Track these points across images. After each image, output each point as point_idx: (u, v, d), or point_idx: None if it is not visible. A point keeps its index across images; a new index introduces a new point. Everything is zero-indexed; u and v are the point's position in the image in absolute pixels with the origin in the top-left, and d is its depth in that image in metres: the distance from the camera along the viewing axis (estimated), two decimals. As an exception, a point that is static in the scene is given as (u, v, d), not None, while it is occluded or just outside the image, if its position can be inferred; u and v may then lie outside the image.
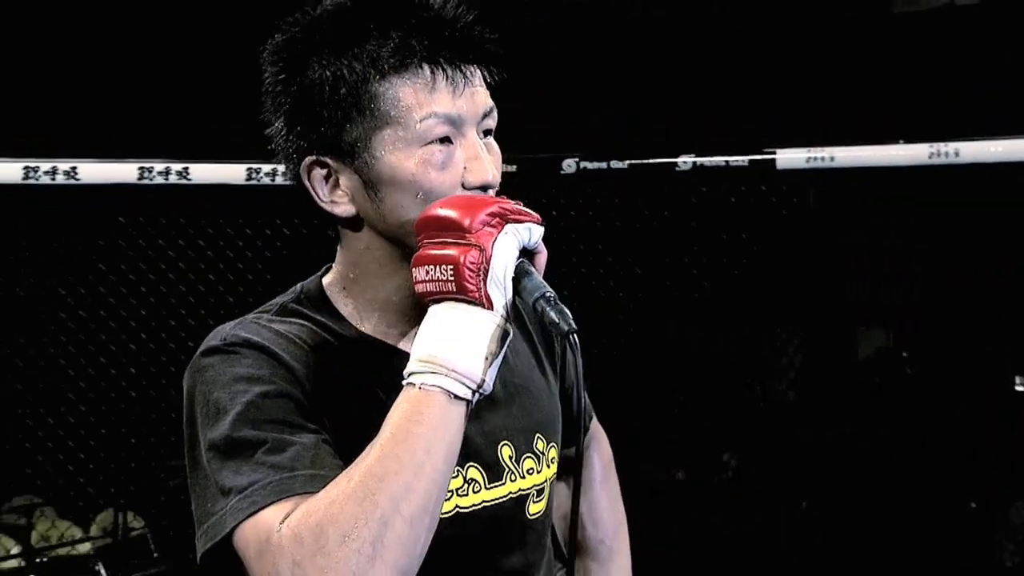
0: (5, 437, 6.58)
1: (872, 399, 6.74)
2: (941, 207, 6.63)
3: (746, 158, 3.27)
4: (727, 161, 3.26)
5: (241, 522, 1.08)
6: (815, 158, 3.24)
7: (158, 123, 5.50)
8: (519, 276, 1.14)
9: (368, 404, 1.21)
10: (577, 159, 3.28)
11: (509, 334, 1.14)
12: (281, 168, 3.36)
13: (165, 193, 3.20)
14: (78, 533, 6.30)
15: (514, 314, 1.34)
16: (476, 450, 1.28)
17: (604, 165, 3.29)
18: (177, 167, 3.16)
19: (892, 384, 6.86)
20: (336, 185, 1.24)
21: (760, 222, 3.74)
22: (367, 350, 1.26)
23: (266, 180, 3.30)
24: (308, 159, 1.24)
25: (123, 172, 3.13)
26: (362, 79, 1.18)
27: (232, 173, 3.26)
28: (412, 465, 1.05)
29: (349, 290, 1.30)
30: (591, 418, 1.66)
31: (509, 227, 1.13)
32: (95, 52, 5.75)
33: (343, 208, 1.25)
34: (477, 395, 1.12)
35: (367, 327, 1.28)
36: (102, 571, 5.82)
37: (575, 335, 1.12)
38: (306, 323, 1.26)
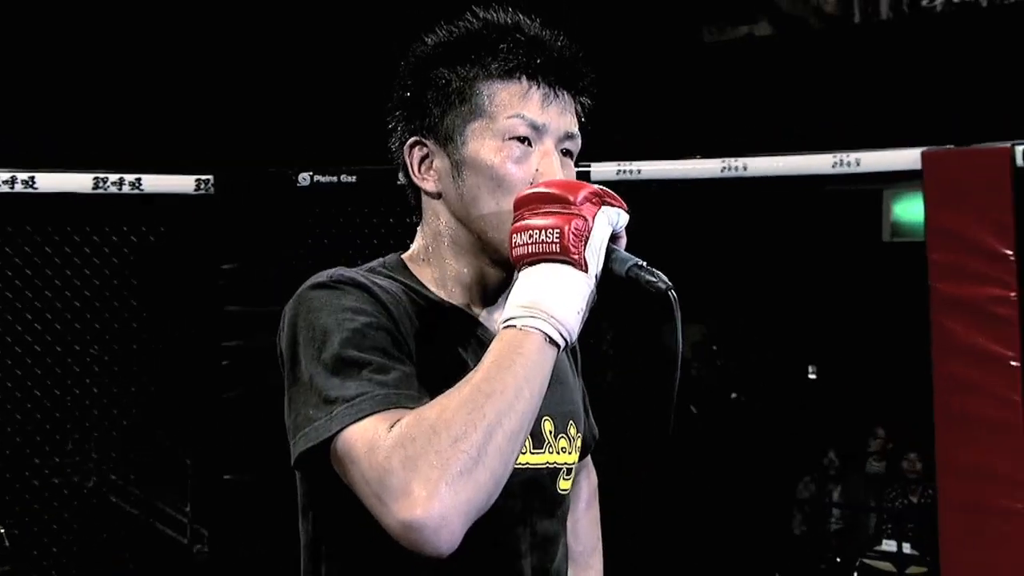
0: None
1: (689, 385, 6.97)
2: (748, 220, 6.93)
3: (564, 171, 3.39)
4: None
5: (348, 426, 1.12)
6: (624, 171, 3.39)
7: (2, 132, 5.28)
8: (610, 249, 1.20)
9: (447, 358, 1.27)
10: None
11: (594, 298, 1.20)
12: (129, 177, 3.36)
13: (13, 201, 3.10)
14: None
15: None
16: None
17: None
18: (23, 176, 3.08)
19: (706, 374, 7.12)
20: (430, 166, 1.33)
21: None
22: (446, 312, 1.32)
23: (112, 189, 3.24)
24: (412, 139, 1.33)
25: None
26: (471, 78, 1.29)
27: (78, 182, 3.19)
28: (514, 387, 1.11)
29: (428, 261, 1.36)
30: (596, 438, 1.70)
31: (605, 207, 1.19)
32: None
33: (430, 185, 1.33)
34: (566, 344, 1.17)
35: (443, 294, 1.34)
36: (-44, 569, 5.56)
37: (673, 291, 1.17)
38: (392, 283, 1.31)
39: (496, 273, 1.33)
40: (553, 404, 1.37)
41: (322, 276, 1.26)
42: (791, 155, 3.26)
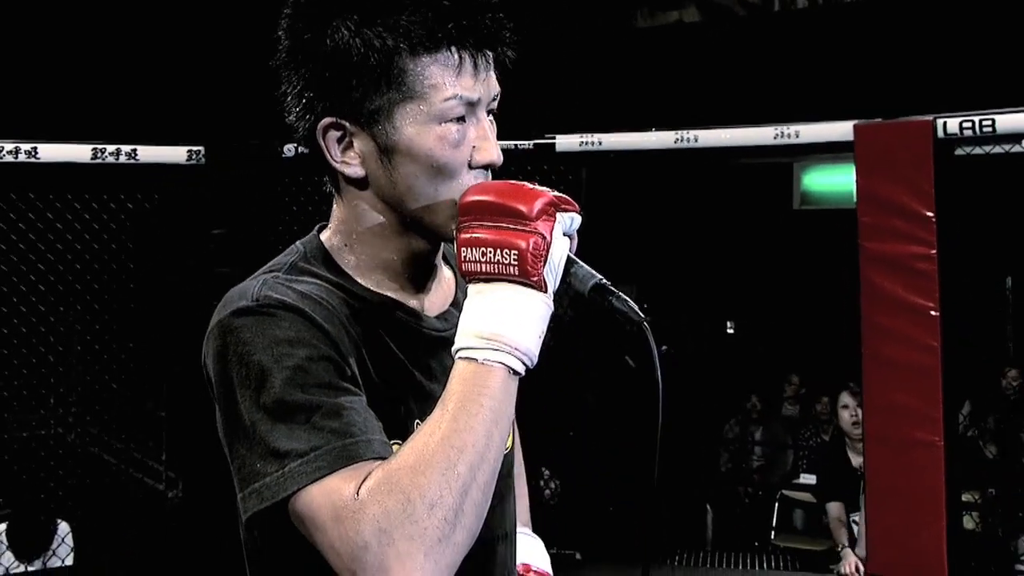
0: None
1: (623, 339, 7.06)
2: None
3: (531, 142, 3.42)
4: (516, 145, 3.39)
5: (305, 486, 0.97)
6: (586, 142, 3.41)
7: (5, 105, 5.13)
8: (568, 263, 1.07)
9: (383, 356, 1.12)
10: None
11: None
12: (125, 148, 3.29)
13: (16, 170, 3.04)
14: None
15: None
16: None
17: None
18: (26, 146, 3.00)
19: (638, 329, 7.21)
20: (350, 147, 1.11)
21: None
22: (373, 305, 1.14)
23: (110, 159, 3.18)
24: (327, 120, 1.10)
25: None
26: (393, 52, 1.06)
27: (78, 152, 3.13)
28: (484, 436, 0.99)
29: (351, 247, 1.16)
30: None
31: (560, 216, 1.05)
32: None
33: (353, 170, 1.11)
34: (527, 371, 1.04)
35: (369, 283, 1.15)
36: None
37: (646, 324, 1.04)
38: (319, 281, 1.12)
39: (425, 247, 1.16)
40: None
41: (245, 299, 1.05)
42: (737, 127, 3.32)
